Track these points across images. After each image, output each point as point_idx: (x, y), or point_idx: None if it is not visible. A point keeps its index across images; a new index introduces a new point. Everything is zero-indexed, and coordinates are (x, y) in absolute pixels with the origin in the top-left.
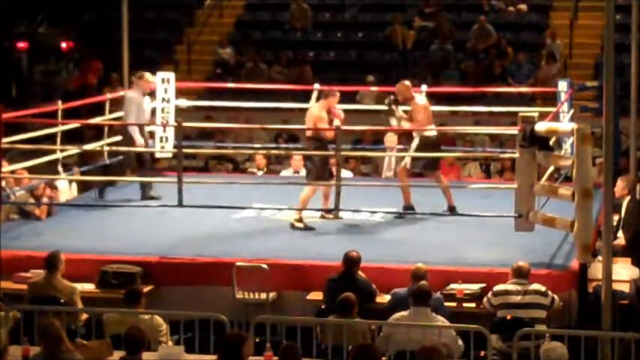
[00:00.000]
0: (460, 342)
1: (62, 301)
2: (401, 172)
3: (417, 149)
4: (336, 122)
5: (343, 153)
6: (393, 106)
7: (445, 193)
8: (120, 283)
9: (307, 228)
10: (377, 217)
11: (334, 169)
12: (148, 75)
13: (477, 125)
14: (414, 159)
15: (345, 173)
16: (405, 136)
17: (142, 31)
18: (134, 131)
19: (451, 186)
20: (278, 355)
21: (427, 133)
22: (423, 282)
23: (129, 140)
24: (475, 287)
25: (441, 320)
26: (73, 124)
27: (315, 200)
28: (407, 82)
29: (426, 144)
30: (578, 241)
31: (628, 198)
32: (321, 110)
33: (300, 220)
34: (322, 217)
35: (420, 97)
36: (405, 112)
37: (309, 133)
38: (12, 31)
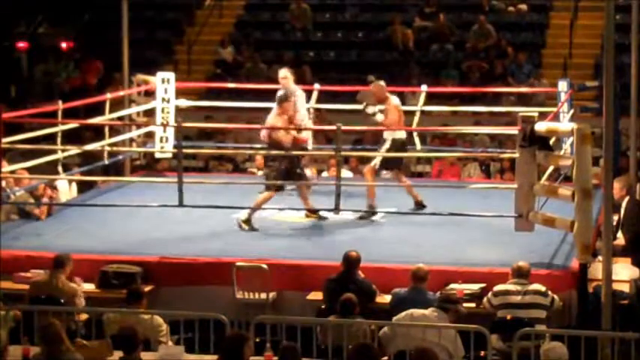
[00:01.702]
0: (459, 343)
1: (62, 301)
2: (369, 171)
3: (389, 150)
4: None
5: (343, 153)
6: (367, 109)
7: (409, 192)
8: (120, 283)
9: (252, 229)
10: (377, 217)
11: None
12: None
13: (477, 125)
14: (385, 161)
15: (345, 173)
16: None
17: (142, 31)
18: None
19: (450, 186)
20: (278, 355)
21: (397, 135)
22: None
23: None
24: (475, 287)
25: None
26: (73, 124)
27: (313, 200)
28: (382, 83)
29: (397, 145)
30: (578, 241)
31: (627, 198)
32: (275, 117)
33: (247, 221)
34: (307, 216)
35: (394, 98)
36: (381, 111)
37: (267, 140)
38: (12, 31)
